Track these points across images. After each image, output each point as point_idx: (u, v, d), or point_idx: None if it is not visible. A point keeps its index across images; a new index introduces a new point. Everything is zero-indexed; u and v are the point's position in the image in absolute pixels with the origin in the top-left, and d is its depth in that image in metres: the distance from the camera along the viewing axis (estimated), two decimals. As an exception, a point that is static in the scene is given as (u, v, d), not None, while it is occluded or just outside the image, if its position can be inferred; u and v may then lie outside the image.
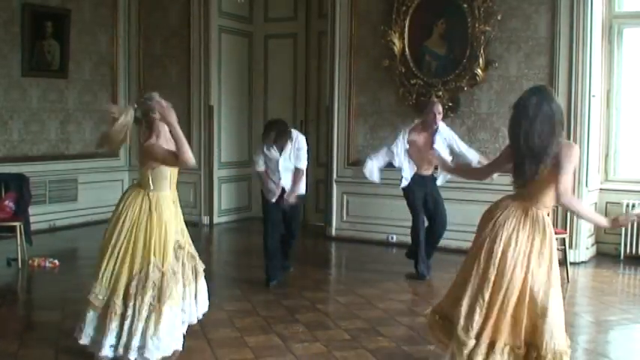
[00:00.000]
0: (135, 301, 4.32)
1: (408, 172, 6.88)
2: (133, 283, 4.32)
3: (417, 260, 6.90)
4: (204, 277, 4.95)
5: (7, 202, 7.26)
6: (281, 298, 6.14)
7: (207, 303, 4.94)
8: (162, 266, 4.37)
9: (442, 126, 6.87)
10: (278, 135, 6.46)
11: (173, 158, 4.39)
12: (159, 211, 4.44)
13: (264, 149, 6.57)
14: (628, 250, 7.81)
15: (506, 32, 7.86)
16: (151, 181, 4.47)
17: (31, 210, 7.75)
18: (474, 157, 6.87)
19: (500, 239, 3.75)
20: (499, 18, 7.81)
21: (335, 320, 5.51)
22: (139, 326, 4.29)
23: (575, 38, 7.47)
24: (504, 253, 3.74)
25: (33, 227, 7.70)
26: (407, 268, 7.19)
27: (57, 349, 4.75)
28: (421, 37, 8.30)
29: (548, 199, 3.78)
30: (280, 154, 6.51)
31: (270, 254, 6.60)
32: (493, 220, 3.82)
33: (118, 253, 4.37)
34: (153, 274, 4.34)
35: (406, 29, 8.34)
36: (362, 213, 8.79)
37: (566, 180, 3.66)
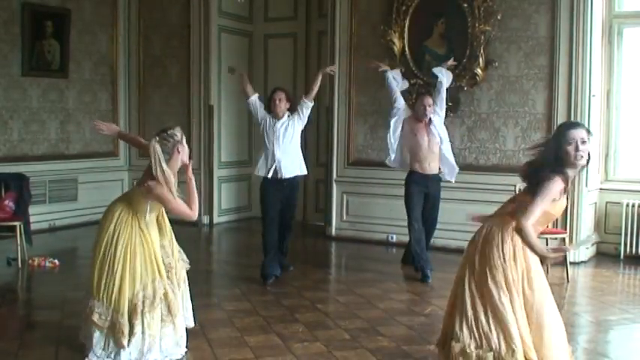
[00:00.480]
0: (142, 318, 4.36)
1: (391, 150, 7.04)
2: (139, 302, 4.35)
3: (417, 261, 6.89)
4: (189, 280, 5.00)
5: (7, 202, 7.26)
6: (281, 298, 6.14)
7: (191, 313, 4.97)
8: (163, 282, 4.45)
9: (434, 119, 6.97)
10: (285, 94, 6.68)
11: (180, 212, 4.41)
12: (149, 230, 4.48)
13: (264, 114, 6.74)
14: (628, 250, 7.80)
15: (507, 32, 7.85)
16: (148, 211, 4.47)
17: (31, 210, 7.77)
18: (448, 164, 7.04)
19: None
20: (499, 18, 7.81)
21: (335, 320, 5.51)
22: (154, 345, 4.38)
23: (575, 38, 7.47)
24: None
25: (33, 227, 7.71)
26: (406, 267, 7.20)
27: (57, 348, 4.75)
28: (421, 37, 8.30)
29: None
30: (275, 125, 6.61)
31: (267, 249, 6.63)
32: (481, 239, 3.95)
33: (115, 272, 4.36)
34: (159, 290, 4.41)
35: (406, 29, 8.34)
36: (362, 213, 8.79)
37: (534, 207, 3.69)
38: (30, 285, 6.90)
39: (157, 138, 4.37)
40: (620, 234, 7.82)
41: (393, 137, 7.01)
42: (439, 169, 7.00)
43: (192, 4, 9.83)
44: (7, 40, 8.73)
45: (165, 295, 4.45)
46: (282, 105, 6.66)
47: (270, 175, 6.64)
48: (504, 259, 3.77)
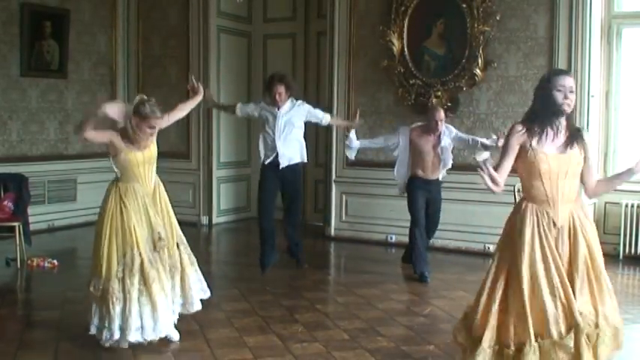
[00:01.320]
0: (124, 284, 4.58)
1: (401, 174, 6.90)
2: (120, 268, 4.59)
3: (416, 263, 6.87)
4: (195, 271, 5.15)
5: (6, 203, 7.26)
6: (280, 298, 6.14)
7: (197, 299, 5.08)
8: (141, 252, 4.64)
9: (446, 126, 6.83)
10: (285, 81, 6.59)
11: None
12: (126, 202, 4.71)
13: (262, 106, 6.72)
14: (627, 250, 7.80)
15: (505, 32, 7.86)
16: (115, 168, 4.84)
17: (30, 210, 7.76)
18: (481, 139, 6.88)
19: None
20: (498, 18, 7.81)
21: (334, 320, 5.51)
22: (133, 308, 4.56)
23: (574, 38, 7.48)
24: None
25: (32, 227, 7.70)
26: (406, 268, 7.19)
27: (56, 348, 4.75)
28: (420, 38, 8.30)
29: (523, 185, 3.81)
30: (277, 112, 6.57)
31: (264, 237, 6.64)
32: None
33: (104, 243, 4.64)
34: (137, 259, 4.62)
35: (405, 29, 8.34)
36: (361, 213, 8.79)
37: (499, 160, 3.78)
38: (29, 285, 6.90)
39: (146, 98, 4.77)
40: (619, 234, 7.81)
41: (401, 169, 6.89)
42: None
43: (191, 5, 9.84)
44: (6, 41, 8.73)
45: (142, 264, 4.61)
46: (283, 97, 6.60)
47: (269, 162, 6.65)
48: (509, 227, 3.76)
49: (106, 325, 4.59)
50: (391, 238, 8.51)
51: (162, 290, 4.68)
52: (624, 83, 8.03)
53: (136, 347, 4.74)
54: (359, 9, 8.72)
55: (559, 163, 3.70)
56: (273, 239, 6.74)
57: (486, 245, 7.76)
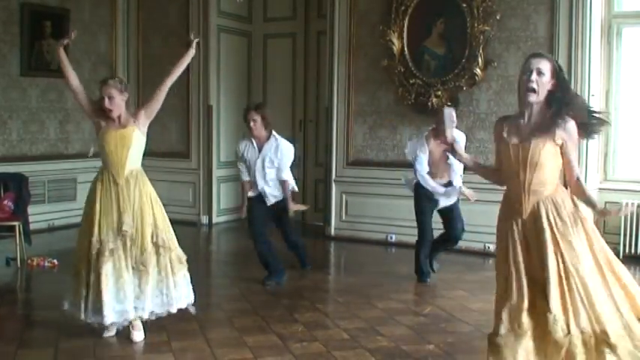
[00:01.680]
0: (88, 268, 4.76)
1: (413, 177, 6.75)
2: (85, 252, 4.79)
3: (418, 264, 6.85)
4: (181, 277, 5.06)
5: (6, 202, 7.26)
6: (280, 298, 6.14)
7: (171, 304, 4.93)
8: (101, 239, 4.76)
9: (457, 133, 6.61)
10: (258, 107, 6.52)
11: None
12: (98, 186, 4.90)
13: (242, 150, 6.61)
14: (627, 250, 7.79)
15: (505, 32, 7.86)
16: (93, 146, 5.06)
17: (30, 209, 7.75)
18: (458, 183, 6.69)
19: None
20: (498, 18, 7.81)
21: (334, 320, 5.51)
22: (90, 291, 4.72)
23: (575, 38, 7.48)
24: None
25: (32, 227, 7.69)
26: (406, 267, 7.18)
27: (56, 348, 4.75)
28: (420, 37, 8.30)
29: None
30: (259, 153, 6.48)
31: (266, 262, 6.60)
32: None
33: (81, 227, 5.00)
34: (96, 245, 4.75)
35: (405, 29, 8.34)
36: (361, 212, 8.79)
37: None
38: (29, 285, 6.90)
39: (121, 81, 5.28)
40: (619, 234, 7.80)
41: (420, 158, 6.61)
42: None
43: (191, 4, 9.83)
44: (6, 40, 8.73)
45: (98, 251, 4.72)
46: (258, 126, 6.43)
47: (254, 196, 6.62)
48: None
49: (77, 305, 4.77)
50: (391, 238, 8.51)
51: (120, 278, 4.70)
52: (624, 83, 8.02)
53: (136, 347, 4.75)
54: (359, 9, 8.72)
55: (519, 153, 3.58)
56: (274, 262, 6.64)
57: (486, 245, 7.77)
